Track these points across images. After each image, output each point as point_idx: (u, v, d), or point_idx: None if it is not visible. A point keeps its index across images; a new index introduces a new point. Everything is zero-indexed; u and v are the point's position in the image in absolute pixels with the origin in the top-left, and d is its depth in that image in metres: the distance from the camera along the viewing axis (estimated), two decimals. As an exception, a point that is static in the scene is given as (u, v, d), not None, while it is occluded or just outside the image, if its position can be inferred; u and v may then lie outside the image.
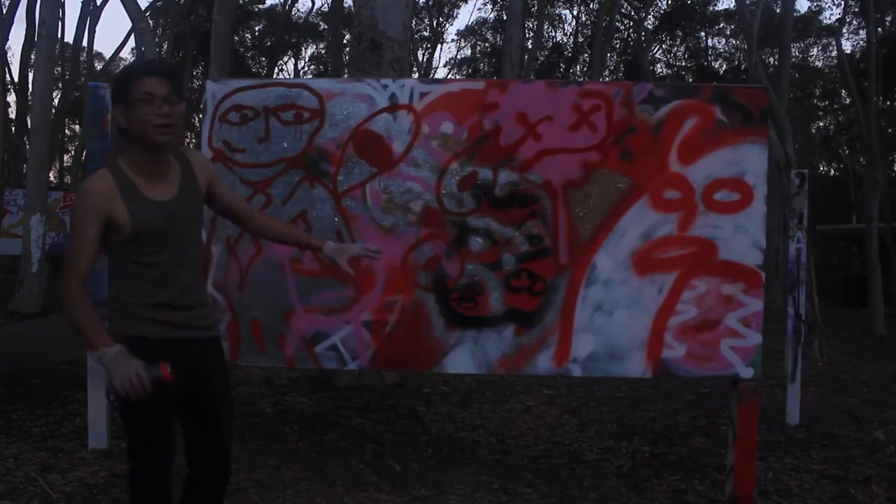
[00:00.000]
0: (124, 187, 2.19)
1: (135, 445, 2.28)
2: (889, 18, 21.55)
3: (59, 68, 23.59)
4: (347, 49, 13.30)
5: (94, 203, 2.15)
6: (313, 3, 46.94)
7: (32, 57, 16.30)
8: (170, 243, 2.24)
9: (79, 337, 2.15)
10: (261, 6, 30.07)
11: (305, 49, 33.29)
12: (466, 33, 32.69)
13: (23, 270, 11.66)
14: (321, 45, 32.27)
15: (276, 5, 29.83)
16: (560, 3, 26.90)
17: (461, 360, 3.57)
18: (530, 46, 21.65)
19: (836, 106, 29.16)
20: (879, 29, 19.10)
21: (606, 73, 26.60)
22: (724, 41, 29.51)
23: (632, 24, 26.82)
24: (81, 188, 2.25)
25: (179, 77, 2.31)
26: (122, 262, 2.24)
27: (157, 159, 2.25)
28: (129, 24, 25.38)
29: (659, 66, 28.62)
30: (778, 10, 20.78)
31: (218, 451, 2.40)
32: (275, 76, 28.49)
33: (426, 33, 31.00)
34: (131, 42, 30.69)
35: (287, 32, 28.36)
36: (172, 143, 2.23)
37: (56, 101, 20.23)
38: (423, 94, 3.59)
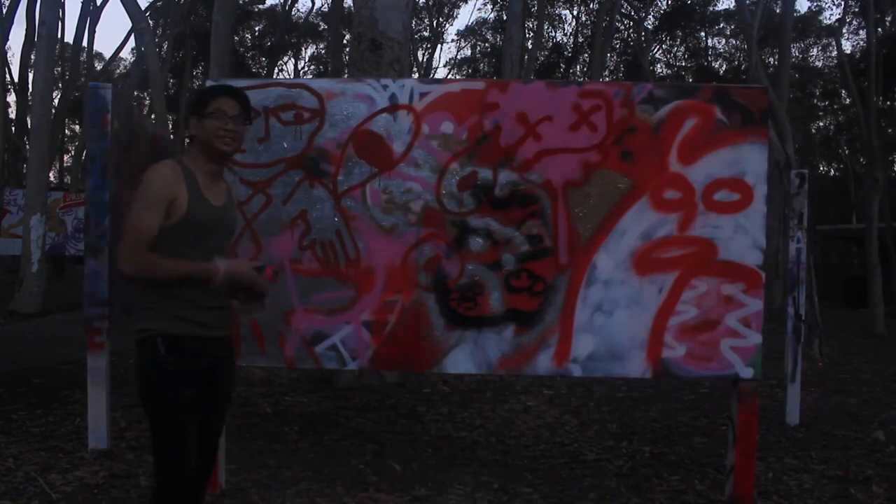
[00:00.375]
0: (188, 177, 2.40)
1: (169, 445, 2.34)
2: (889, 18, 21.56)
3: (59, 68, 23.59)
4: (347, 49, 13.30)
5: (166, 185, 2.34)
6: (313, 3, 46.97)
7: (32, 57, 16.30)
8: (206, 242, 2.41)
9: (185, 280, 2.33)
10: (261, 6, 30.10)
11: (305, 49, 33.33)
12: (466, 33, 32.73)
13: (23, 270, 11.67)
14: (321, 45, 32.29)
15: (276, 5, 29.86)
16: (560, 3, 26.90)
17: (461, 360, 3.57)
18: (530, 46, 21.65)
19: (836, 106, 29.17)
20: (879, 29, 19.10)
21: (606, 73, 26.60)
22: (724, 41, 29.55)
23: (632, 24, 26.82)
24: (151, 172, 2.39)
25: (248, 101, 2.54)
26: (160, 251, 2.33)
27: (215, 168, 2.49)
28: (129, 24, 25.40)
29: (659, 66, 28.63)
30: (778, 10, 20.79)
31: (213, 441, 2.54)
32: (275, 76, 28.49)
33: (426, 33, 31.00)
34: (131, 42, 30.66)
35: (287, 32, 28.36)
36: (231, 155, 2.53)
37: (56, 101, 20.22)
38: (423, 94, 3.59)
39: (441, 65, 50.47)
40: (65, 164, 32.56)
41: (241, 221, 3.41)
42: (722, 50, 29.65)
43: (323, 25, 30.53)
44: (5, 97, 17.45)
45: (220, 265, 2.36)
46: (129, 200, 2.48)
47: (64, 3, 23.77)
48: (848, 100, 24.25)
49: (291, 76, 31.72)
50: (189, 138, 2.51)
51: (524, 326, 3.55)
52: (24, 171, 17.80)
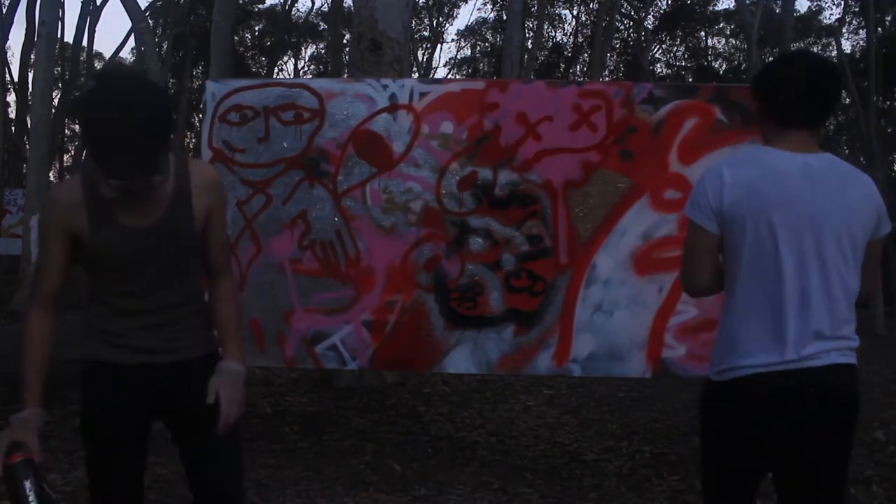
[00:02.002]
0: (93, 202, 1.81)
1: (99, 487, 2.02)
2: (889, 18, 21.56)
3: (59, 68, 23.59)
4: (347, 49, 13.31)
5: (55, 214, 1.84)
6: (313, 3, 46.99)
7: (32, 57, 16.30)
8: (141, 274, 1.88)
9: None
10: (261, 6, 30.08)
11: (305, 49, 33.31)
12: (466, 33, 32.68)
13: (23, 270, 11.67)
14: (321, 45, 32.28)
15: (276, 5, 29.84)
16: (560, 3, 26.90)
17: (461, 360, 3.57)
18: (530, 46, 21.65)
19: (836, 106, 29.14)
20: (879, 29, 19.11)
21: (606, 73, 26.60)
22: (724, 41, 29.54)
23: (632, 24, 26.83)
24: (46, 196, 1.98)
25: (163, 148, 1.70)
26: (89, 280, 2.02)
27: None
28: (129, 24, 25.38)
29: (659, 66, 28.64)
30: (778, 10, 20.79)
31: (218, 480, 2.13)
32: (275, 76, 28.49)
33: (426, 33, 31.01)
34: (131, 42, 30.68)
35: (287, 32, 28.38)
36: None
37: (56, 101, 20.24)
38: (423, 94, 3.59)
39: (441, 65, 50.45)
40: (65, 164, 32.55)
41: (195, 233, 1.97)
42: (722, 50, 29.66)
43: (323, 25, 30.53)
44: (5, 97, 17.47)
45: (24, 413, 1.89)
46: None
47: (64, 3, 23.82)
48: (848, 100, 24.28)
49: (291, 76, 31.74)
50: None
51: (524, 326, 3.55)
52: (24, 171, 17.81)
